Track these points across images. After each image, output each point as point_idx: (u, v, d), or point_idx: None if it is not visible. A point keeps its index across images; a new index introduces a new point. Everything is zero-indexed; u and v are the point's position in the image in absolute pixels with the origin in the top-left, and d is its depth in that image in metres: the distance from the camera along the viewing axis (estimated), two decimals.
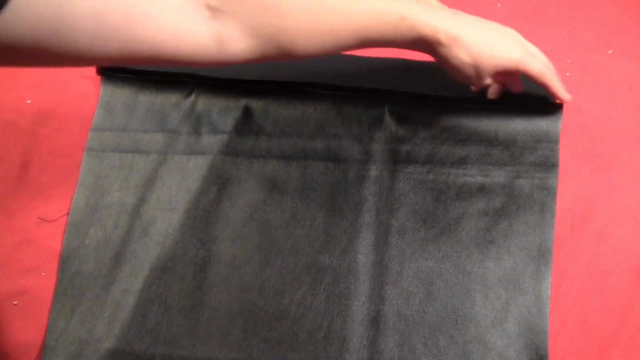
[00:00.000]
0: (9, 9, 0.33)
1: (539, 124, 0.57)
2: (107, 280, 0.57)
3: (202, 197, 0.59)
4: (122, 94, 0.64)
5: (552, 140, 0.56)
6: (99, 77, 0.65)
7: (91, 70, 0.65)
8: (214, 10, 0.41)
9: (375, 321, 0.53)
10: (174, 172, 0.61)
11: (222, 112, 0.63)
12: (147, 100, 0.64)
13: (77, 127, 0.64)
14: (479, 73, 0.49)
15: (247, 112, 0.62)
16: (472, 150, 0.57)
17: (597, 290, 0.53)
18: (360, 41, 0.46)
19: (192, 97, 0.63)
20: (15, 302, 0.58)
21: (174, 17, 0.40)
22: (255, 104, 0.62)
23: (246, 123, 0.62)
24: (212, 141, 0.62)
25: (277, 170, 0.60)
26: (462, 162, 0.57)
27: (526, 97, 0.55)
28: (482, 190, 0.56)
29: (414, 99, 0.59)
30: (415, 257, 0.55)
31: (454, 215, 0.56)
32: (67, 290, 0.57)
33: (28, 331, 0.57)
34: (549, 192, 0.55)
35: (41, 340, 0.56)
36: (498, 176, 0.56)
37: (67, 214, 0.60)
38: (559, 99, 0.52)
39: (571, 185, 0.57)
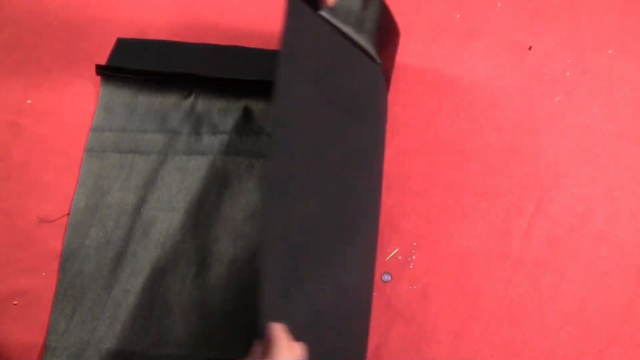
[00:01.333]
0: None
1: None
2: (108, 280, 0.57)
3: (203, 197, 0.59)
4: (122, 94, 0.64)
5: None
6: (98, 77, 0.65)
7: (91, 70, 0.65)
8: None
9: None
10: (174, 172, 0.61)
11: (222, 112, 0.63)
12: (147, 100, 0.64)
13: (77, 127, 0.64)
14: None
15: (247, 112, 0.62)
16: None
17: (597, 290, 0.53)
18: None
19: (192, 97, 0.63)
20: (15, 302, 0.58)
21: None
22: (255, 104, 0.62)
23: (246, 123, 0.62)
24: (212, 141, 0.62)
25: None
26: None
27: None
28: None
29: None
30: None
31: None
32: (67, 290, 0.57)
33: (28, 331, 0.57)
34: None
35: (41, 340, 0.56)
36: None
37: (68, 214, 0.60)
38: None
39: (571, 185, 0.57)
